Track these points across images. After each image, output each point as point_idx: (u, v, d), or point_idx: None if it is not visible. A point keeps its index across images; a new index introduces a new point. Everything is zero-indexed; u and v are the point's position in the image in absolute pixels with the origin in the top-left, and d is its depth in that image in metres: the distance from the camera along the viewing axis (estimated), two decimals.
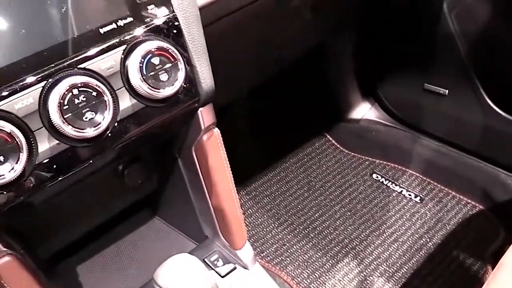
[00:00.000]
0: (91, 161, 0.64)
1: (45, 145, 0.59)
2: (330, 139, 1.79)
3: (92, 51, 0.62)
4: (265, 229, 1.48)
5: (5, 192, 0.58)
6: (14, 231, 0.68)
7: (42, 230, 0.81)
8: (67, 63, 0.60)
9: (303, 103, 1.85)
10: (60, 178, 0.62)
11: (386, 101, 1.68)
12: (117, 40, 0.64)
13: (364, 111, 1.77)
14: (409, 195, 1.52)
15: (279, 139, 1.77)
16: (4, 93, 0.57)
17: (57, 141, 0.60)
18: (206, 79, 0.72)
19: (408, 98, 1.58)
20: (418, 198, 1.50)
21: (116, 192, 0.90)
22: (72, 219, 0.86)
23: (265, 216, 1.52)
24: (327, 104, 1.81)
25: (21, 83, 0.58)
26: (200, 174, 0.82)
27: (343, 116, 1.79)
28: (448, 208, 1.45)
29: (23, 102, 0.57)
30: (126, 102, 0.64)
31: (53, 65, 0.59)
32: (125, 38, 0.64)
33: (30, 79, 0.58)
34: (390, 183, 1.57)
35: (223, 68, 0.79)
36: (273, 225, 1.50)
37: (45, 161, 0.60)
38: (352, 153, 1.72)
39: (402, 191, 1.54)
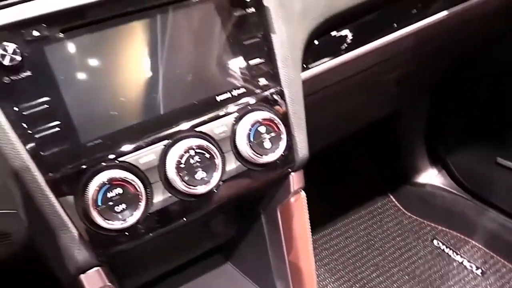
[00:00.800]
0: (194, 213, 0.71)
1: (159, 196, 0.66)
2: (393, 200, 1.81)
3: (208, 116, 0.69)
4: (321, 283, 1.51)
5: (122, 235, 0.65)
6: (115, 266, 0.75)
7: (131, 266, 0.88)
8: (187, 125, 0.68)
9: (369, 161, 1.88)
10: (166, 227, 0.69)
11: (454, 169, 1.70)
12: (231, 108, 0.71)
13: (431, 176, 1.79)
14: (470, 266, 1.51)
15: (342, 195, 1.81)
16: (133, 148, 0.64)
17: (170, 194, 0.67)
18: (302, 148, 0.78)
19: (478, 169, 1.59)
20: (480, 271, 1.49)
21: (198, 238, 0.96)
22: (157, 258, 0.93)
23: (322, 269, 1.55)
24: (393, 165, 1.84)
25: (147, 140, 0.65)
26: (282, 232, 0.87)
27: (409, 178, 1.81)
28: (511, 285, 1.44)
29: (147, 157, 0.65)
30: (231, 164, 0.71)
31: (174, 126, 0.67)
32: (238, 107, 0.71)
33: (154, 137, 0.66)
34: (452, 251, 1.57)
35: None
36: (329, 279, 1.53)
37: (157, 210, 0.67)
38: (414, 217, 1.74)
39: (463, 261, 1.53)
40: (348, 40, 0.92)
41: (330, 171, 1.84)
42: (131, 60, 0.66)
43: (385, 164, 1.86)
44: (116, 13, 0.65)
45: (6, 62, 0.57)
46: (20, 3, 0.60)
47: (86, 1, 0.63)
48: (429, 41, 1.05)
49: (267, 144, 0.72)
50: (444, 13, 1.00)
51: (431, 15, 1.00)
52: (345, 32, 0.92)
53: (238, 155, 0.71)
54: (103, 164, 0.63)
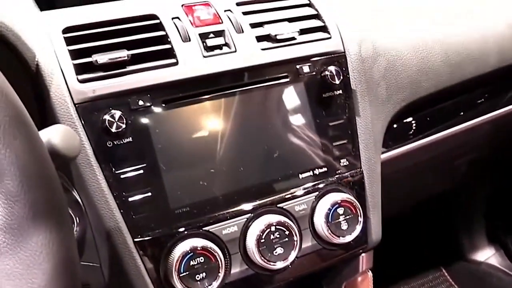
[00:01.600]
0: (266, 286, 0.72)
1: (237, 268, 0.68)
2: (446, 275, 1.77)
3: (290, 193, 0.71)
4: None
5: None
6: None
7: None
8: (269, 201, 0.70)
9: (424, 233, 1.85)
10: None
11: None
12: (312, 186, 0.73)
13: (487, 255, 1.74)
14: None
15: (393, 265, 1.78)
16: (217, 219, 0.67)
17: (247, 267, 0.69)
18: (376, 231, 0.79)
19: None
20: None
21: None
22: None
23: None
24: (448, 240, 1.80)
25: (231, 212, 0.68)
26: None
27: (464, 255, 1.76)
28: None
29: (229, 229, 0.67)
30: (308, 241, 0.73)
31: (257, 200, 0.69)
32: (319, 186, 0.73)
33: (238, 210, 0.68)
34: None
35: None
36: None
37: (233, 281, 0.68)
38: None
39: None
40: (426, 126, 0.93)
41: (384, 240, 1.82)
42: (223, 133, 0.69)
43: (440, 236, 1.82)
44: (214, 88, 0.68)
45: (113, 128, 0.61)
46: (129, 74, 0.64)
47: (189, 75, 0.67)
48: (505, 128, 1.05)
49: (344, 225, 0.73)
50: None
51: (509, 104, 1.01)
52: (424, 117, 0.93)
53: (315, 234, 0.73)
54: (189, 232, 0.65)
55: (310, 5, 0.80)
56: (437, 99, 0.93)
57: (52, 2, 0.76)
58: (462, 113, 0.97)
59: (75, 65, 0.63)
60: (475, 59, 0.95)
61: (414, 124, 0.92)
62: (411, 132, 0.92)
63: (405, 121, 0.90)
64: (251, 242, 0.67)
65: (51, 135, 0.42)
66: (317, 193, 0.73)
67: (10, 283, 0.33)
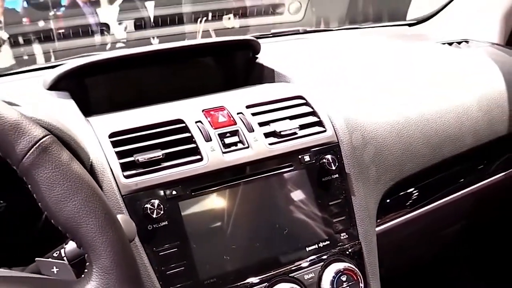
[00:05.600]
0: None
1: None
2: None
3: (300, 264, 0.84)
4: None
5: None
6: None
7: None
8: (282, 271, 0.83)
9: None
10: None
11: None
12: (317, 257, 0.86)
13: None
14: None
15: None
16: None
17: None
18: None
19: None
20: None
21: None
22: None
23: None
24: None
25: (250, 282, 0.80)
26: None
27: None
28: None
29: None
30: None
31: (272, 271, 0.82)
32: (323, 256, 0.86)
33: (257, 279, 0.81)
34: None
35: None
36: None
37: None
38: None
39: None
40: (416, 199, 1.07)
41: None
42: (242, 215, 0.83)
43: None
44: (232, 178, 0.83)
45: (154, 215, 0.75)
46: (163, 170, 0.79)
47: (211, 169, 0.81)
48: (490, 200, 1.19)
49: None
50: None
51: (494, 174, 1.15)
52: (414, 191, 1.07)
53: None
54: None
55: (306, 104, 0.95)
56: (422, 176, 1.07)
57: (88, 109, 0.93)
58: (448, 186, 1.11)
59: (121, 164, 0.77)
60: (452, 140, 1.10)
61: (403, 199, 1.06)
62: (402, 206, 1.05)
63: (395, 196, 1.04)
64: None
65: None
66: (322, 263, 0.85)
67: None
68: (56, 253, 0.58)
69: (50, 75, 0.97)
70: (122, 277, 0.48)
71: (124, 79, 1.10)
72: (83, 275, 0.50)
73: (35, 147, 0.48)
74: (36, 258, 0.58)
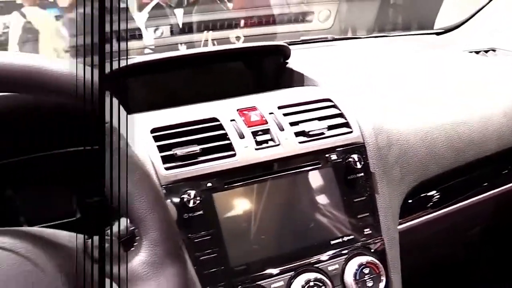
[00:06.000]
0: None
1: None
2: None
3: (325, 255, 0.89)
4: None
5: None
6: None
7: None
8: (308, 261, 0.88)
9: None
10: None
11: None
12: (341, 250, 0.90)
13: None
14: None
15: None
16: (267, 275, 0.85)
17: None
18: None
19: None
20: None
21: None
22: None
23: None
24: None
25: (278, 270, 0.86)
26: None
27: None
28: None
29: (276, 283, 0.84)
30: None
31: (298, 261, 0.87)
32: (347, 250, 0.91)
33: (284, 268, 0.86)
34: None
35: None
36: None
37: None
38: None
39: None
40: (439, 200, 1.11)
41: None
42: (271, 208, 0.89)
43: None
44: (263, 173, 0.89)
45: (190, 204, 0.81)
46: (200, 163, 0.85)
47: (244, 163, 0.87)
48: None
49: (369, 283, 0.89)
50: None
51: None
52: (436, 193, 1.11)
53: None
54: (245, 285, 0.83)
55: (334, 106, 1.01)
56: (445, 178, 1.11)
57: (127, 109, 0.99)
58: (467, 190, 1.15)
59: (162, 157, 0.84)
60: (476, 145, 1.13)
61: (427, 200, 1.10)
62: (425, 206, 1.09)
63: (418, 197, 1.08)
64: None
65: None
66: (346, 256, 0.90)
67: None
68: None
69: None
70: (167, 249, 0.54)
71: (159, 82, 1.17)
72: (132, 248, 0.56)
73: None
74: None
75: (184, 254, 0.57)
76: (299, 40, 1.60)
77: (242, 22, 3.22)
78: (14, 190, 0.98)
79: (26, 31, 4.69)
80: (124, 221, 0.63)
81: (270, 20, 3.29)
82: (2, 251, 0.50)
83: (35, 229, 0.55)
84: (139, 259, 0.54)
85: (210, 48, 1.12)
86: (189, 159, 0.85)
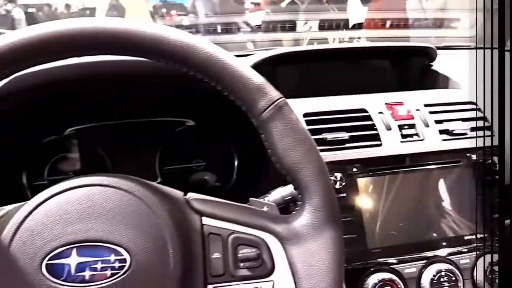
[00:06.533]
0: None
1: None
2: None
3: (456, 249, 0.93)
4: None
5: None
6: None
7: None
8: (440, 252, 0.92)
9: None
10: None
11: None
12: (474, 247, 0.93)
13: None
14: None
15: None
16: (401, 260, 0.90)
17: None
18: None
19: None
20: None
21: None
22: None
23: None
24: None
25: (412, 257, 0.91)
26: None
27: None
28: None
29: (410, 269, 0.90)
30: None
31: (430, 252, 0.92)
32: (479, 247, 0.94)
33: (417, 256, 0.91)
34: None
35: None
36: None
37: None
38: None
39: None
40: None
41: None
42: (411, 197, 0.94)
43: None
44: (406, 165, 0.94)
45: (337, 186, 0.89)
46: (347, 149, 0.93)
47: (389, 154, 0.93)
48: None
49: (498, 280, 0.92)
50: None
51: None
52: None
53: (473, 285, 0.93)
54: (379, 267, 0.89)
55: (478, 109, 1.03)
56: None
57: None
58: None
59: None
60: None
61: None
62: None
63: None
64: (425, 281, 0.89)
65: None
66: (479, 251, 0.93)
67: (315, 258, 0.59)
68: (263, 199, 0.73)
69: (249, 61, 1.15)
70: (328, 215, 0.60)
71: (307, 71, 1.25)
72: (293, 212, 0.63)
73: (273, 105, 0.60)
74: (250, 198, 0.72)
75: (341, 222, 0.62)
76: (442, 45, 1.61)
77: (388, 23, 3.23)
78: (106, 150, 1.11)
79: (112, 8, 4.92)
80: (290, 187, 0.72)
81: (402, 24, 3.28)
82: (121, 191, 0.56)
83: (145, 180, 0.60)
84: (301, 221, 0.60)
85: (359, 44, 1.18)
86: (337, 144, 0.93)
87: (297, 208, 0.62)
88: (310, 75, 1.24)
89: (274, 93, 0.60)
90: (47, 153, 1.07)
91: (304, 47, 1.21)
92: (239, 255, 0.58)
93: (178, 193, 0.62)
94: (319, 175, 0.60)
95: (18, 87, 0.81)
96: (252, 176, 1.11)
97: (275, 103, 0.60)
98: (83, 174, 0.58)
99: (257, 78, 0.60)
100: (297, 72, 1.25)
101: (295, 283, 0.58)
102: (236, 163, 1.16)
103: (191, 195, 0.62)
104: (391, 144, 0.94)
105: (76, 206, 0.54)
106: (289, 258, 0.58)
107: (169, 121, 1.11)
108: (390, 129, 0.96)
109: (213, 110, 1.08)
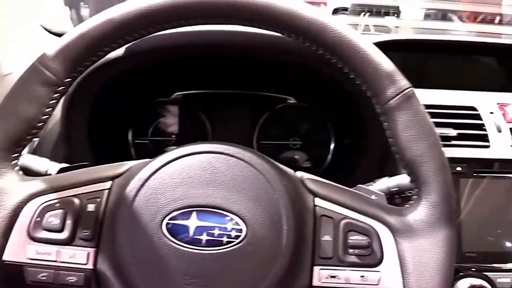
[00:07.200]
0: None
1: None
2: None
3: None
4: None
5: None
6: None
7: None
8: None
9: None
10: None
11: None
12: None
13: None
14: None
15: None
16: (495, 269, 0.87)
17: None
18: None
19: None
20: None
21: None
22: None
23: None
24: None
25: (506, 267, 0.87)
26: None
27: None
28: None
29: (503, 279, 0.86)
30: None
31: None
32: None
33: (508, 267, 0.87)
34: None
35: None
36: None
37: None
38: None
39: None
40: None
41: None
42: (508, 207, 0.90)
43: None
44: None
45: None
46: (453, 146, 0.89)
47: (497, 157, 0.89)
48: None
49: None
50: None
51: None
52: None
53: None
54: (472, 272, 0.86)
55: None
56: None
57: None
58: None
59: None
60: None
61: None
62: None
63: None
64: None
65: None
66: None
67: (426, 255, 0.57)
68: (370, 186, 0.72)
69: None
70: (445, 213, 0.58)
71: (411, 61, 1.21)
72: (407, 205, 0.61)
73: (401, 94, 0.57)
74: (358, 185, 0.71)
75: (455, 221, 0.60)
76: None
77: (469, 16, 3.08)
78: (208, 117, 1.12)
79: None
80: (397, 179, 0.70)
81: (497, 20, 3.11)
82: (242, 162, 0.57)
83: (264, 155, 0.60)
84: (416, 216, 0.58)
85: (469, 38, 1.12)
86: (444, 140, 0.89)
87: (411, 201, 0.60)
88: (418, 65, 1.21)
89: (403, 82, 0.58)
90: (153, 114, 1.11)
91: (415, 36, 1.16)
92: (349, 241, 0.57)
93: (291, 171, 0.62)
94: (441, 171, 0.58)
95: (139, 49, 0.83)
96: (345, 163, 1.10)
97: (404, 92, 0.58)
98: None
99: (388, 65, 0.58)
100: (403, 60, 1.22)
101: (402, 277, 0.57)
102: (332, 147, 1.15)
103: (303, 174, 0.62)
104: (500, 147, 0.90)
105: (199, 171, 0.56)
106: (400, 252, 0.57)
107: (272, 96, 1.11)
108: (500, 131, 0.91)
109: (318, 92, 1.08)
